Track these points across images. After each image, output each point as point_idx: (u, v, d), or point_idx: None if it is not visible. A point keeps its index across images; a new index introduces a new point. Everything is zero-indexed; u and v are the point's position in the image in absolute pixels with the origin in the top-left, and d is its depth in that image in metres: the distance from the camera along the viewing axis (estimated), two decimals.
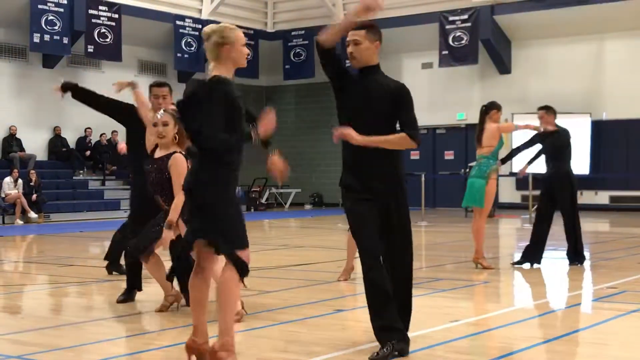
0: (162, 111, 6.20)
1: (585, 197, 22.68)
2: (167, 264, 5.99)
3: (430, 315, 6.44)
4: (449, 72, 24.09)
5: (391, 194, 5.08)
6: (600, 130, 22.02)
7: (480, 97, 21.89)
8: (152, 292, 7.11)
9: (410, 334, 5.07)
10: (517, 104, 22.73)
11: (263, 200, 25.62)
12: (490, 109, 9.61)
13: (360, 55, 5.06)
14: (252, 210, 24.40)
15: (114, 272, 8.97)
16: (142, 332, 6.02)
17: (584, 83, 22.38)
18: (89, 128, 22.01)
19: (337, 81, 5.11)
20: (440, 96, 24.62)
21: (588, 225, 18.14)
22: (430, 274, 8.97)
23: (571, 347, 5.34)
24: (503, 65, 23.61)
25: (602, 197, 22.56)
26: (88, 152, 22.20)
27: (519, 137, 11.83)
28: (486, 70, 23.84)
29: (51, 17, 20.51)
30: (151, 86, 7.17)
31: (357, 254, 8.10)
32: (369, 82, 5.08)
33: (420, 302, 7.17)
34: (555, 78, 22.68)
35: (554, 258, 11.30)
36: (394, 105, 5.05)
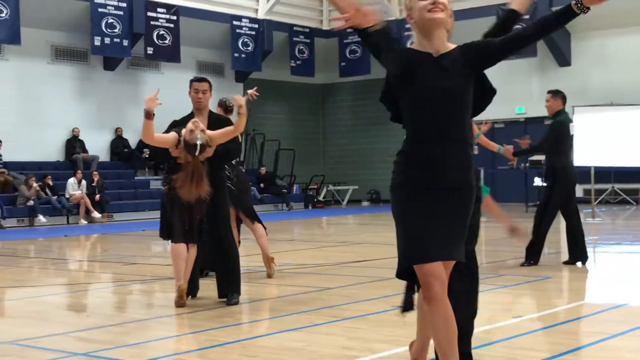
0: None
1: None
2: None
3: (492, 311, 6.38)
4: (507, 65, 23.74)
5: None
6: None
7: (539, 90, 21.58)
8: (213, 288, 7.18)
9: None
10: (577, 96, 22.30)
11: (320, 198, 25.69)
12: None
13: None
14: (310, 207, 24.48)
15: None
16: (204, 328, 6.09)
17: None
18: None
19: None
20: (499, 90, 23.24)
21: None
22: (491, 270, 8.89)
23: (638, 342, 5.24)
24: (563, 58, 23.23)
25: None
26: (147, 152, 22.28)
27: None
28: (545, 62, 23.48)
29: (111, 20, 20.86)
30: (192, 81, 7.25)
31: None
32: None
33: (482, 298, 7.09)
34: (615, 69, 22.21)
35: (617, 253, 11.11)
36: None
